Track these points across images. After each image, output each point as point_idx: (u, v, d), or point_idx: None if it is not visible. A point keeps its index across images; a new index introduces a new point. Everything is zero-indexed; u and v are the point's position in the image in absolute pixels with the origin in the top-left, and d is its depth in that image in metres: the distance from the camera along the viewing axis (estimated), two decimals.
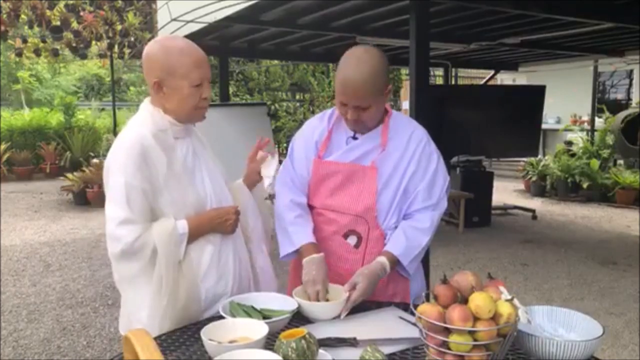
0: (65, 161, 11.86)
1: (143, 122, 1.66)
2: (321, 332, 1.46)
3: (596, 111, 10.53)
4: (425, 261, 2.14)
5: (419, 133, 1.88)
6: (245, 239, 1.88)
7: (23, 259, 5.72)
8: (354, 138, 1.86)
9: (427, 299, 1.29)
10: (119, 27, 8.89)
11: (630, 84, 12.43)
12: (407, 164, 1.82)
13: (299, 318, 1.59)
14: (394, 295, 1.87)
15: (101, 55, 10.05)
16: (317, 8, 5.09)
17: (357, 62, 1.72)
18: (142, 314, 1.63)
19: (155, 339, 1.35)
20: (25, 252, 5.96)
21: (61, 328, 3.94)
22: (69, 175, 8.95)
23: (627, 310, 4.29)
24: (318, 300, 1.66)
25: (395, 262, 1.76)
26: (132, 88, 18.68)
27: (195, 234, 1.67)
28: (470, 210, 7.08)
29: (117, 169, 1.59)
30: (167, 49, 1.64)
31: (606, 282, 4.99)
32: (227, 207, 1.75)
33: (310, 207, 1.93)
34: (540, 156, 9.96)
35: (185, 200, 1.66)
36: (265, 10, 5.12)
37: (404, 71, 14.33)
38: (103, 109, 15.34)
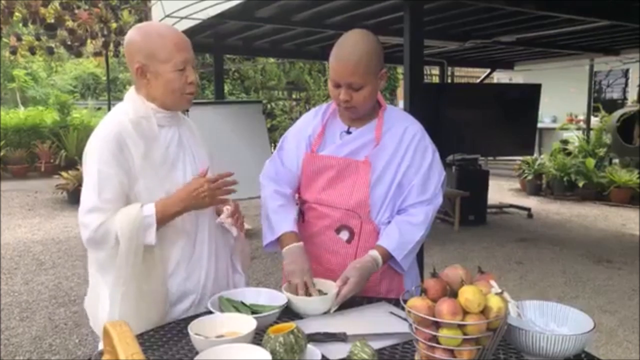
0: (60, 160, 11.83)
1: (124, 110, 1.65)
2: (310, 327, 1.44)
3: (592, 110, 10.54)
4: (419, 259, 2.12)
5: (414, 127, 1.85)
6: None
7: (16, 257, 5.68)
8: (348, 132, 1.84)
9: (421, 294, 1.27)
10: (114, 25, 8.82)
11: (626, 83, 12.46)
12: (401, 158, 1.80)
13: (289, 313, 1.57)
14: (388, 292, 1.85)
15: (96, 54, 10.00)
16: (310, 5, 5.07)
17: (352, 41, 1.71)
18: (99, 307, 1.58)
19: (138, 337, 1.32)
20: (18, 250, 5.92)
21: (53, 326, 3.91)
22: (64, 173, 8.92)
23: (621, 308, 4.28)
24: (306, 292, 1.64)
25: (388, 257, 1.74)
26: (128, 87, 18.58)
27: (166, 215, 1.59)
28: (465, 208, 7.06)
29: (92, 156, 1.58)
30: (147, 33, 1.63)
31: (601, 280, 4.99)
32: (195, 180, 1.63)
33: (303, 201, 1.91)
34: (536, 155, 9.96)
35: (161, 190, 1.62)
36: (259, 7, 5.11)
37: (400, 70, 14.33)
38: (100, 108, 15.29)
